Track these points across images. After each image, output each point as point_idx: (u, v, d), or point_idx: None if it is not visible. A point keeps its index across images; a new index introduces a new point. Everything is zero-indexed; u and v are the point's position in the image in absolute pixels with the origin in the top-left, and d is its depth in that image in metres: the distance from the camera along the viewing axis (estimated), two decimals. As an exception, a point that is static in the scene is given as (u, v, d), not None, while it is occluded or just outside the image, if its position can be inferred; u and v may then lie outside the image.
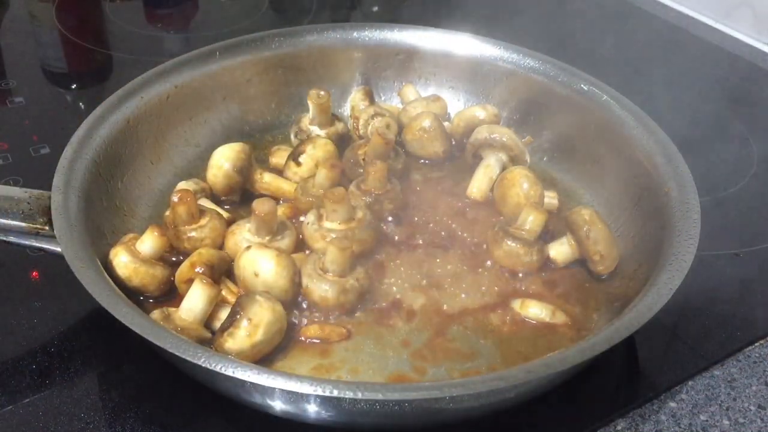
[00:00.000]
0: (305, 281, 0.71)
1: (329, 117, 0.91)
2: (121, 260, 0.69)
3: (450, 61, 0.98)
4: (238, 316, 0.64)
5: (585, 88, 0.90)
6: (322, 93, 0.89)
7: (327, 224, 0.76)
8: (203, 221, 0.76)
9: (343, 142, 0.91)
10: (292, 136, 0.93)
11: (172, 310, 0.67)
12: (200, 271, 0.69)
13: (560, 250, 0.78)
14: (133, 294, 0.69)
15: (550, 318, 0.73)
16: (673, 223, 0.71)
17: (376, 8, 1.39)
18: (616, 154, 0.85)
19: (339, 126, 0.92)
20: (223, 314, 0.68)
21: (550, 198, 0.85)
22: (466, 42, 0.98)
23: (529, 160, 0.88)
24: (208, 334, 0.67)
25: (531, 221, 0.77)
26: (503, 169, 0.86)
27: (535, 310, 0.73)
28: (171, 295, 0.72)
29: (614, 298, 0.75)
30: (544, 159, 0.93)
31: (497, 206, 0.84)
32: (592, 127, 0.89)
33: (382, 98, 1.01)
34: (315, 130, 0.90)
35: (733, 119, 1.09)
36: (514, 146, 0.86)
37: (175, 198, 0.75)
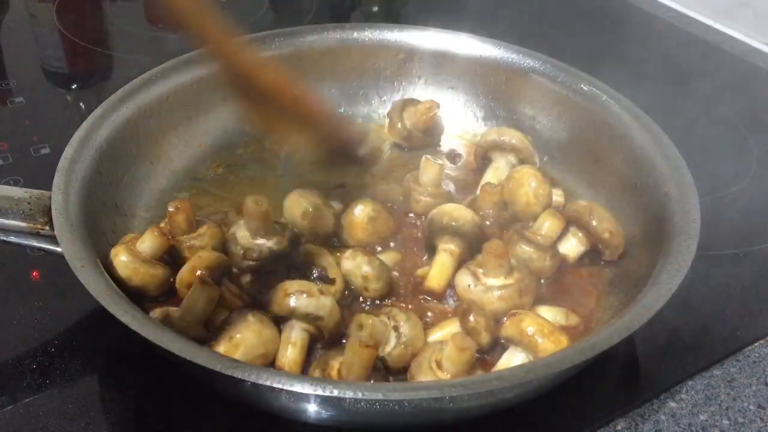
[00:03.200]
0: (413, 368, 0.65)
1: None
2: (122, 260, 0.69)
3: (450, 61, 0.98)
4: (223, 331, 0.64)
5: (585, 88, 0.90)
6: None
7: (492, 281, 0.71)
8: (201, 230, 0.75)
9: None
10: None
11: (172, 309, 0.67)
12: (201, 275, 0.69)
13: (569, 246, 0.78)
14: (133, 294, 0.69)
15: (565, 321, 0.72)
16: (673, 223, 0.71)
17: (376, 8, 1.39)
18: (616, 154, 0.85)
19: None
20: (222, 317, 0.68)
21: (557, 196, 0.85)
22: (466, 42, 0.98)
23: (538, 162, 0.87)
24: (207, 335, 0.67)
25: (547, 227, 0.77)
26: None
27: (550, 315, 0.71)
28: (171, 294, 0.72)
29: (614, 297, 0.75)
30: (545, 159, 0.93)
31: (508, 205, 0.83)
32: (592, 127, 0.89)
33: (383, 98, 1.01)
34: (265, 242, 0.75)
35: (733, 119, 1.09)
36: (524, 148, 0.86)
37: (171, 208, 0.74)
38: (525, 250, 0.75)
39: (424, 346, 0.67)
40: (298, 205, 0.78)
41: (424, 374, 0.63)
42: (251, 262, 0.73)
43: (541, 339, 0.64)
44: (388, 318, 0.68)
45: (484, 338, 0.67)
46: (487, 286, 0.71)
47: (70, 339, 0.72)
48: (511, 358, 0.66)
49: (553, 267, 0.76)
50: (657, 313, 0.61)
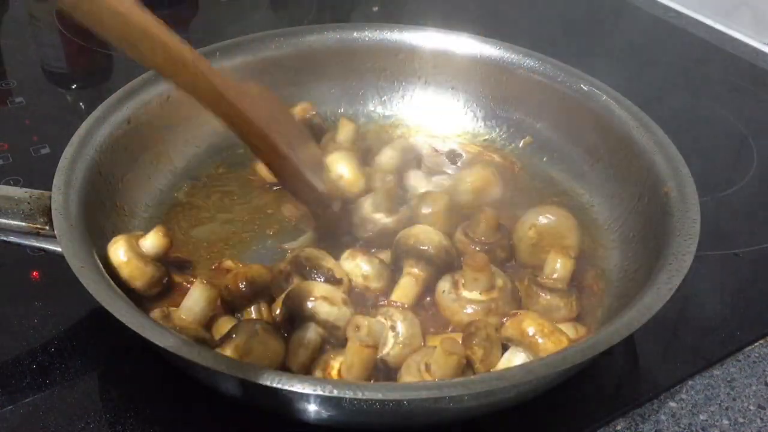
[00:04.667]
0: (403, 370, 0.65)
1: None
2: (117, 250, 0.70)
3: (450, 61, 0.98)
4: (229, 339, 0.64)
5: (585, 88, 0.90)
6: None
7: (466, 294, 0.70)
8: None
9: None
10: None
11: (172, 309, 0.67)
12: (242, 287, 0.68)
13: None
14: (128, 291, 0.69)
15: (574, 335, 0.69)
16: (673, 223, 0.71)
17: (376, 8, 1.39)
18: (615, 154, 0.85)
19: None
20: (221, 321, 0.68)
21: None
22: (466, 42, 0.98)
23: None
24: (207, 335, 0.67)
25: (560, 268, 0.72)
26: None
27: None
28: (168, 294, 0.72)
29: (614, 298, 0.75)
30: (544, 159, 0.93)
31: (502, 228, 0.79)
32: (592, 127, 0.88)
33: (383, 98, 1.01)
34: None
35: (733, 119, 1.09)
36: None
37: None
38: (548, 299, 0.71)
39: (420, 350, 0.67)
40: (335, 166, 0.83)
41: (412, 376, 0.63)
42: (367, 233, 0.78)
43: (542, 339, 0.64)
44: (385, 318, 0.68)
45: (477, 369, 0.65)
46: (460, 296, 0.71)
47: (70, 339, 0.72)
48: (512, 358, 0.66)
49: (578, 309, 0.73)
50: (657, 313, 0.61)
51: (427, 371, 0.62)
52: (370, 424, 0.62)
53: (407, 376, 0.64)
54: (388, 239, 0.77)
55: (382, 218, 0.78)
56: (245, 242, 0.82)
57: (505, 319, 0.68)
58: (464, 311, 0.70)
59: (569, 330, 0.70)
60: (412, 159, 0.91)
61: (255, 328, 0.64)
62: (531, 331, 0.64)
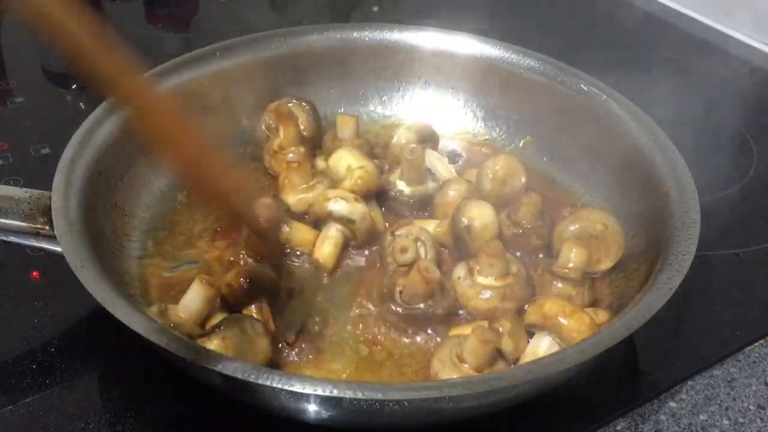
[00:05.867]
0: (436, 365, 0.66)
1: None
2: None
3: (450, 61, 0.98)
4: (218, 330, 0.64)
5: (585, 88, 0.90)
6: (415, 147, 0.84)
7: (481, 279, 0.72)
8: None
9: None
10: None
11: (170, 306, 0.67)
12: (243, 284, 0.69)
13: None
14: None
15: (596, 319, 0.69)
16: (673, 223, 0.71)
17: (376, 8, 1.39)
18: (615, 154, 0.85)
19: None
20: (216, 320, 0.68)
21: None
22: (466, 42, 0.98)
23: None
24: (204, 332, 0.66)
25: (574, 258, 0.73)
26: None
27: None
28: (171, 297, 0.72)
29: (614, 298, 0.75)
30: (544, 159, 0.93)
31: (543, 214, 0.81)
32: (592, 127, 0.89)
33: (383, 98, 1.01)
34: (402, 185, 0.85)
35: (733, 119, 1.09)
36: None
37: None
38: (560, 288, 0.72)
39: (446, 342, 0.68)
40: (342, 161, 0.83)
41: (449, 369, 0.64)
42: (409, 200, 0.84)
43: (565, 320, 0.65)
44: (409, 240, 0.75)
45: (511, 357, 0.66)
46: (475, 282, 0.72)
47: (70, 339, 0.72)
48: (539, 343, 0.67)
49: (591, 299, 0.73)
50: (657, 313, 0.61)
51: (462, 363, 0.63)
52: (370, 424, 0.62)
53: (444, 372, 0.64)
54: (409, 208, 0.84)
55: (418, 188, 0.84)
56: (245, 242, 0.81)
57: (526, 306, 0.69)
58: (480, 296, 0.71)
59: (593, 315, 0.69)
60: (429, 139, 0.91)
61: (246, 322, 0.65)
62: (553, 313, 0.65)
